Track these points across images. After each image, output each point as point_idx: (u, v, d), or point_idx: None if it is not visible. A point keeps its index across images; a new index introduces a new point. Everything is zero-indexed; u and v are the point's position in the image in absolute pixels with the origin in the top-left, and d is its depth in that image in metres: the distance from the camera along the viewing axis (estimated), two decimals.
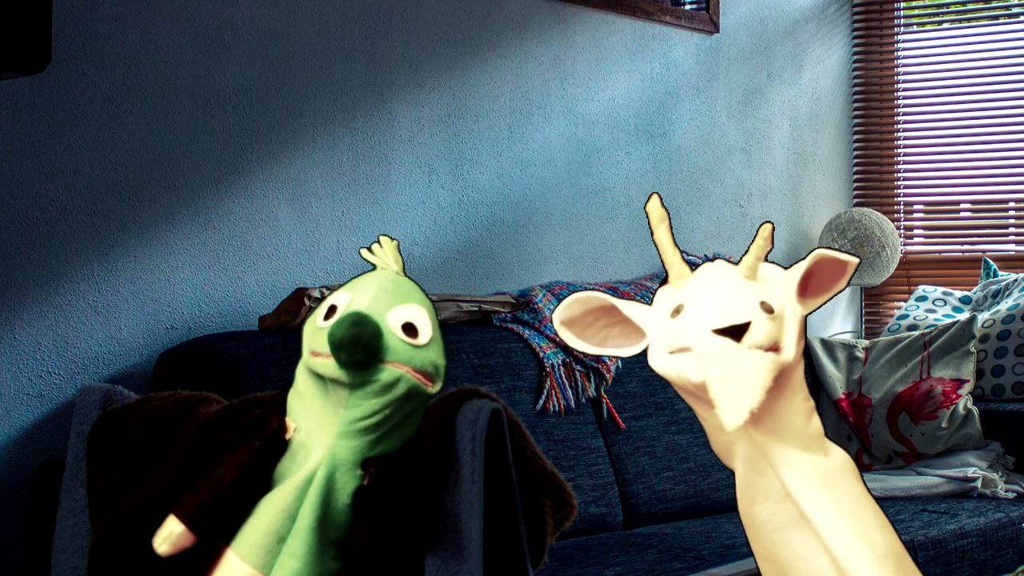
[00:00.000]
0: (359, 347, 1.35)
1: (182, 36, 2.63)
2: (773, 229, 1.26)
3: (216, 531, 1.39)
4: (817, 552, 1.24)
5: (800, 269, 1.28)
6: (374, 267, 1.48)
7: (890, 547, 1.26)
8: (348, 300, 1.40)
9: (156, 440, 1.48)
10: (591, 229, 3.52)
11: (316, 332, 1.40)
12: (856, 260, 1.27)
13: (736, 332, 1.20)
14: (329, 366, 1.37)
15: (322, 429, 1.41)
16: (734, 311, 1.21)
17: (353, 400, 1.38)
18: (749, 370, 1.20)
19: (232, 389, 2.32)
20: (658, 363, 1.26)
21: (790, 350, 1.23)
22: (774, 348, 1.22)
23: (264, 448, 1.41)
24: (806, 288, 1.28)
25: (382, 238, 1.49)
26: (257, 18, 2.76)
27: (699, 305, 1.23)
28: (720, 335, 1.20)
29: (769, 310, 1.23)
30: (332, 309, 1.40)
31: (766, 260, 1.28)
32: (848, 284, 1.29)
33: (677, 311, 1.25)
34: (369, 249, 1.49)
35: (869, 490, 1.30)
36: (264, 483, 1.41)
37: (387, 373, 1.38)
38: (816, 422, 1.29)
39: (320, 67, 2.88)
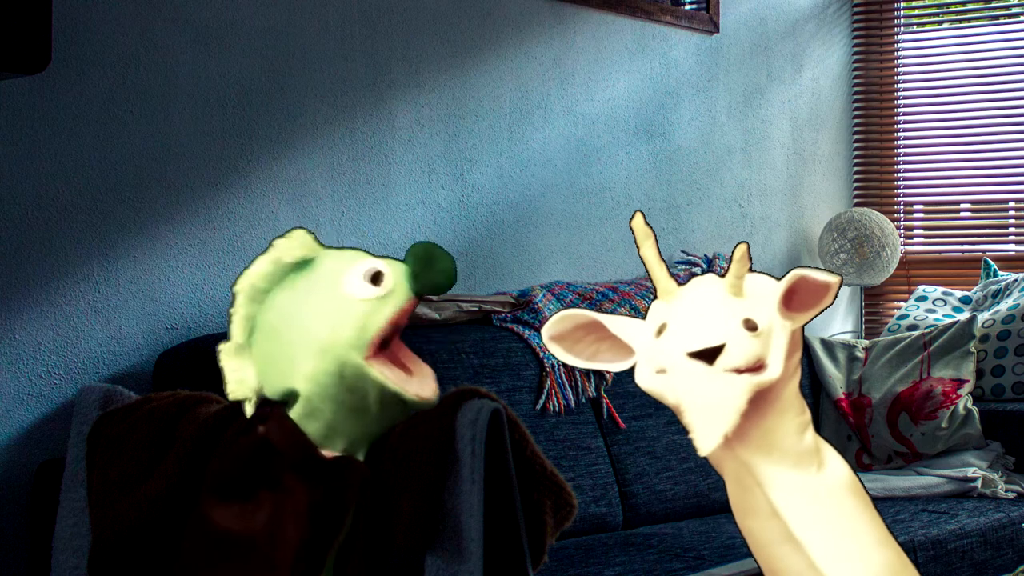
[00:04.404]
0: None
1: (182, 36, 2.63)
2: (748, 249, 1.22)
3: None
4: (810, 568, 1.23)
5: (781, 287, 1.24)
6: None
7: (887, 563, 1.23)
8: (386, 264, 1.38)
9: (156, 440, 1.48)
10: (591, 229, 3.51)
11: (374, 303, 1.35)
12: (836, 279, 1.22)
13: (710, 355, 1.18)
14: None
15: (364, 443, 1.40)
16: (709, 333, 1.19)
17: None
18: (722, 394, 1.18)
19: None
20: (643, 381, 1.25)
21: (776, 367, 1.20)
22: (757, 367, 1.20)
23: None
24: (790, 304, 1.25)
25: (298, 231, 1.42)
26: (257, 18, 2.76)
27: (679, 326, 1.21)
28: (694, 359, 1.19)
29: (753, 327, 1.20)
30: (377, 276, 1.36)
31: (756, 271, 1.26)
32: (835, 300, 1.25)
33: (661, 330, 1.23)
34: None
35: (872, 500, 1.27)
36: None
37: None
38: (810, 437, 1.26)
39: (320, 67, 2.88)
